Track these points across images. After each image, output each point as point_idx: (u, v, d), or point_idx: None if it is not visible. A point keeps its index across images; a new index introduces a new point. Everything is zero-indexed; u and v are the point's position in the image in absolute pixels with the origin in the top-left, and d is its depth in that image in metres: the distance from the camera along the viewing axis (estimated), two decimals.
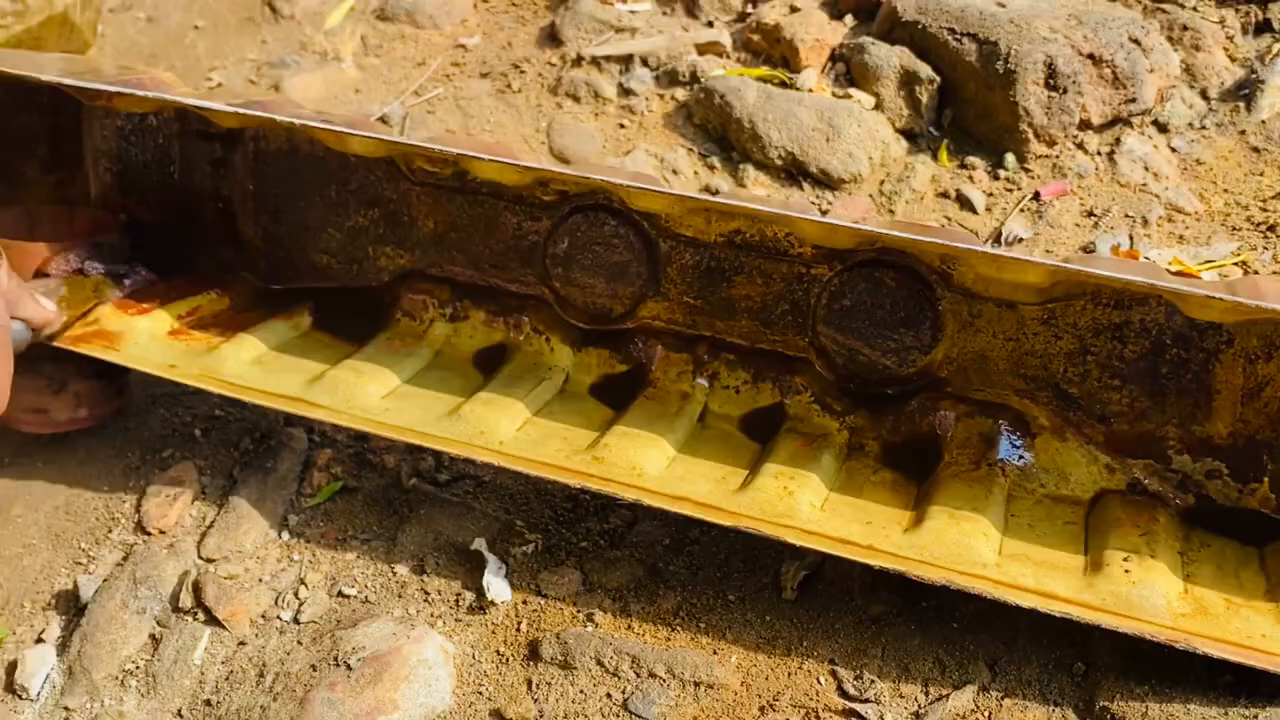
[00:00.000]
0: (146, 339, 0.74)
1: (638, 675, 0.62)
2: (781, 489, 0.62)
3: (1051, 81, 0.94)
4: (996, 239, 0.92)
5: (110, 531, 0.76)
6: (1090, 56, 0.94)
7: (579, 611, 0.67)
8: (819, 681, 0.61)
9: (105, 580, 0.72)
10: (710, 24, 1.13)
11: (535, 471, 0.65)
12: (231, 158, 0.81)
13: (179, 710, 0.66)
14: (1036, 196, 0.94)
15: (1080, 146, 0.96)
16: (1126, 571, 0.57)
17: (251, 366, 0.73)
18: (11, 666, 0.69)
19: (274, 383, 0.71)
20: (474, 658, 0.66)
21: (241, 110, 0.66)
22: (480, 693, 0.64)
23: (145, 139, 0.82)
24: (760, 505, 0.61)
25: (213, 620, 0.69)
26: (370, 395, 0.70)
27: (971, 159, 0.98)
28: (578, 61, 1.10)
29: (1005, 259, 0.54)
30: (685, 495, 0.63)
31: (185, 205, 0.83)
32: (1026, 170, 0.96)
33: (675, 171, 0.99)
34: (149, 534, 0.75)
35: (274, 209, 0.81)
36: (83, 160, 0.84)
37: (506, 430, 0.68)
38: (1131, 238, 0.90)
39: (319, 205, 0.80)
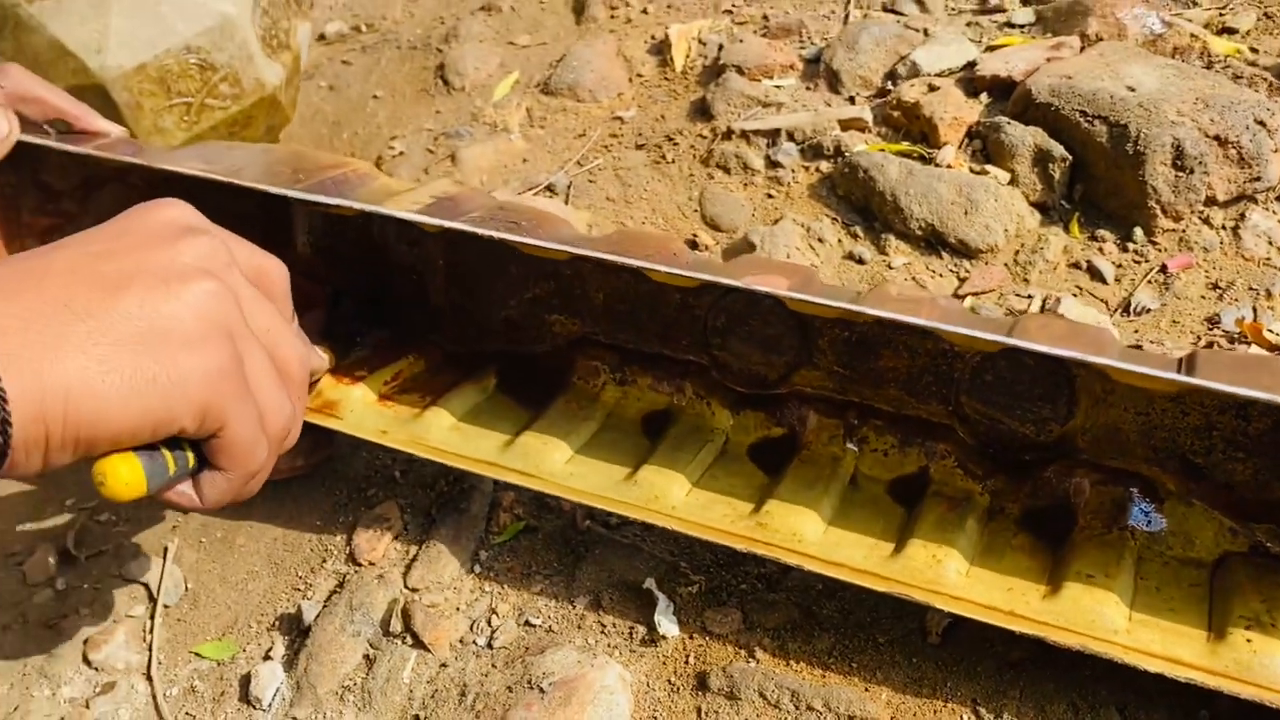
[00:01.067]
0: (361, 407, 0.84)
1: (797, 708, 0.70)
2: (930, 557, 0.69)
3: (1179, 162, 0.99)
4: (1125, 309, 0.98)
5: (324, 562, 0.86)
6: (1216, 138, 0.99)
7: (741, 648, 0.75)
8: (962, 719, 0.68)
9: (325, 605, 0.82)
10: (852, 100, 1.21)
11: (706, 536, 0.73)
12: (425, 237, 0.90)
13: None
14: (1164, 269, 1.00)
15: (1206, 221, 1.01)
16: (1249, 640, 0.62)
17: (451, 433, 0.82)
18: (245, 679, 0.79)
19: (472, 448, 0.81)
20: (648, 686, 0.74)
21: (443, 224, 0.75)
22: (655, 718, 0.72)
23: (348, 219, 0.92)
24: (912, 573, 0.69)
25: (419, 644, 0.78)
26: (555, 461, 0.79)
27: (1101, 232, 1.04)
28: (727, 135, 1.19)
29: (1134, 373, 0.60)
30: (842, 561, 0.70)
31: (383, 278, 0.93)
32: (1154, 243, 1.02)
33: (821, 240, 1.07)
34: (360, 565, 0.85)
35: (461, 282, 0.91)
36: (293, 238, 0.94)
37: (677, 495, 0.76)
38: (1255, 310, 0.95)
39: (501, 278, 0.89)
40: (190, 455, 0.59)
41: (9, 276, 0.52)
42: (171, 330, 0.54)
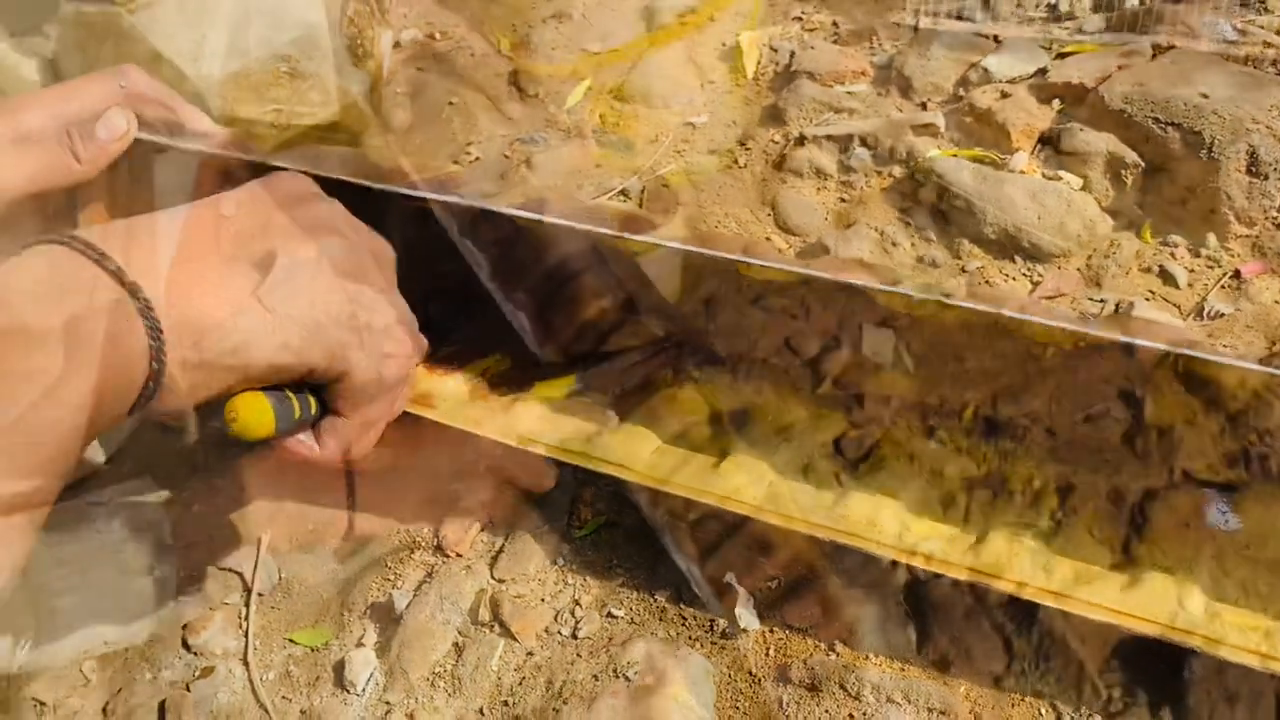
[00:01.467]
0: (454, 399, 0.87)
1: (877, 700, 0.72)
2: (1010, 549, 0.71)
3: (1253, 169, 1.00)
4: (1199, 313, 0.98)
5: (413, 553, 0.89)
6: None
7: (821, 642, 0.77)
8: (1040, 712, 0.70)
9: (415, 595, 0.85)
10: (924, 106, 1.23)
11: (788, 526, 0.75)
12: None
13: (480, 709, 0.78)
14: (1237, 274, 1.00)
15: (1279, 228, 1.02)
16: None
17: (540, 424, 0.85)
18: (339, 665, 0.82)
19: (561, 439, 0.83)
20: (730, 677, 0.76)
21: (544, 219, 0.77)
22: (737, 707, 0.74)
23: (430, 220, 0.94)
24: (990, 564, 0.70)
25: (506, 633, 0.81)
26: (641, 453, 0.81)
27: (1174, 237, 1.05)
28: (800, 140, 1.21)
29: (1211, 362, 0.62)
30: (923, 552, 0.72)
31: (467, 276, 0.96)
32: (1227, 249, 1.03)
33: (895, 244, 1.08)
34: (448, 556, 0.88)
35: (547, 281, 0.93)
36: (385, 237, 0.97)
37: (759, 488, 0.78)
38: None
39: (585, 279, 0.92)
40: (313, 401, 0.63)
41: (155, 229, 0.56)
42: (306, 278, 0.59)
